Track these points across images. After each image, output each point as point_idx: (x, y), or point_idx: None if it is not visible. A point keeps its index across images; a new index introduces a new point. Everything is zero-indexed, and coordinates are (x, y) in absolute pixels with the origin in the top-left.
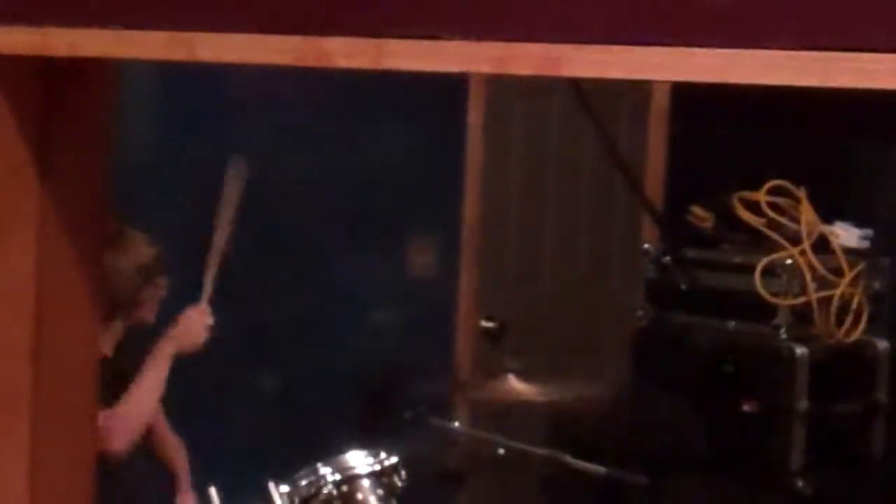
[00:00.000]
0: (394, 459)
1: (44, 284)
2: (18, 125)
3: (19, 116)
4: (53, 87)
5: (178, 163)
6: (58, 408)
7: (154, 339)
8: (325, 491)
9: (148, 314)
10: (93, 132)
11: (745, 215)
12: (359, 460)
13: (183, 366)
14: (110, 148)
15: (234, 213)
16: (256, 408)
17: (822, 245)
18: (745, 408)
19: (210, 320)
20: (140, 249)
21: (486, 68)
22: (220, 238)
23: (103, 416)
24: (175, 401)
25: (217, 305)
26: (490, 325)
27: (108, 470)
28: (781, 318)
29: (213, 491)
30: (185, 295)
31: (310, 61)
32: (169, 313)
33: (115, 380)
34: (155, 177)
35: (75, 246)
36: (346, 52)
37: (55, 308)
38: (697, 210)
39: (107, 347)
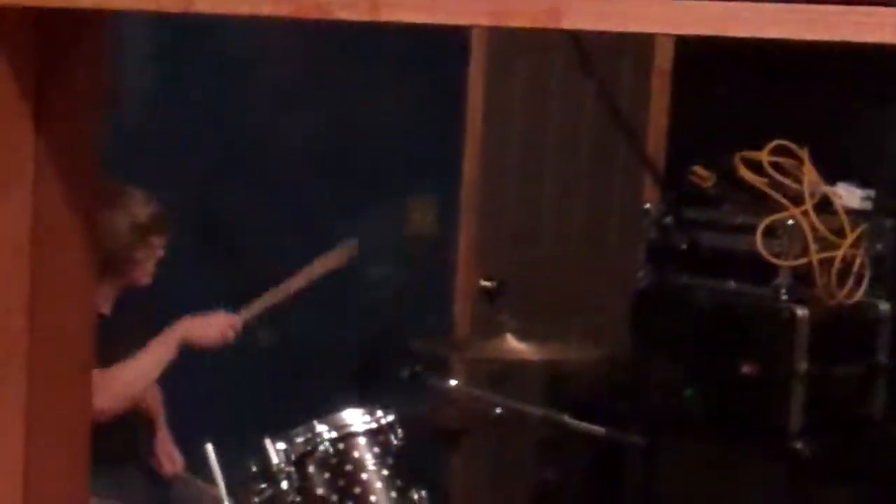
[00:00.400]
0: (390, 418)
1: (39, 239)
2: (14, 77)
3: (15, 68)
4: (49, 39)
5: (176, 119)
6: (54, 363)
7: (154, 299)
8: (321, 448)
9: (144, 275)
10: (88, 85)
11: (747, 175)
12: (355, 418)
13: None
14: (105, 102)
15: (318, 277)
16: (253, 365)
17: (825, 206)
18: (745, 369)
19: (234, 334)
20: (137, 208)
21: (483, 21)
22: (295, 286)
23: (95, 374)
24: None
25: (215, 262)
26: (489, 284)
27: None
28: (782, 279)
29: (209, 448)
30: (184, 256)
31: (307, 13)
32: (167, 274)
33: (114, 339)
34: (154, 133)
35: (71, 200)
36: (343, 4)
37: (51, 263)
38: (699, 170)
39: (104, 306)
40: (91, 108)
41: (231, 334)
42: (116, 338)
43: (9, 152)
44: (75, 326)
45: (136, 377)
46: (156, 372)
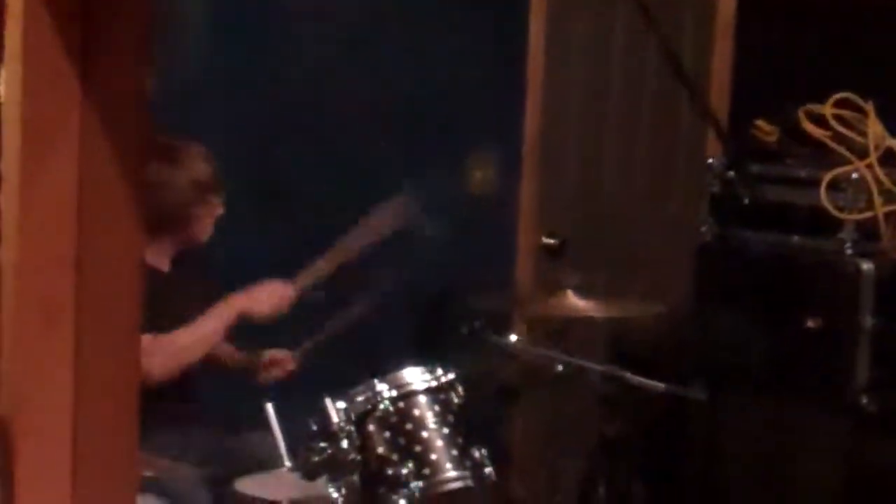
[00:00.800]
0: (451, 375)
1: (86, 193)
2: (59, 34)
3: (60, 25)
4: None
5: (234, 77)
6: (101, 317)
7: (211, 256)
8: (381, 407)
9: (200, 232)
10: (133, 41)
11: (811, 128)
12: (415, 376)
13: (241, 280)
14: (151, 57)
15: (375, 241)
16: (313, 323)
17: (889, 159)
18: (809, 324)
19: (288, 304)
20: (196, 165)
21: None
22: (350, 250)
23: (146, 340)
24: None
25: (275, 220)
26: (551, 241)
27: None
28: (847, 233)
29: (269, 406)
30: (244, 214)
31: None
32: (227, 232)
33: (172, 296)
34: (213, 92)
35: (117, 155)
36: None
37: (98, 217)
38: (762, 124)
39: (163, 263)
40: (138, 65)
41: (285, 305)
42: (174, 294)
43: (56, 109)
44: (123, 282)
45: (188, 346)
46: (208, 343)
